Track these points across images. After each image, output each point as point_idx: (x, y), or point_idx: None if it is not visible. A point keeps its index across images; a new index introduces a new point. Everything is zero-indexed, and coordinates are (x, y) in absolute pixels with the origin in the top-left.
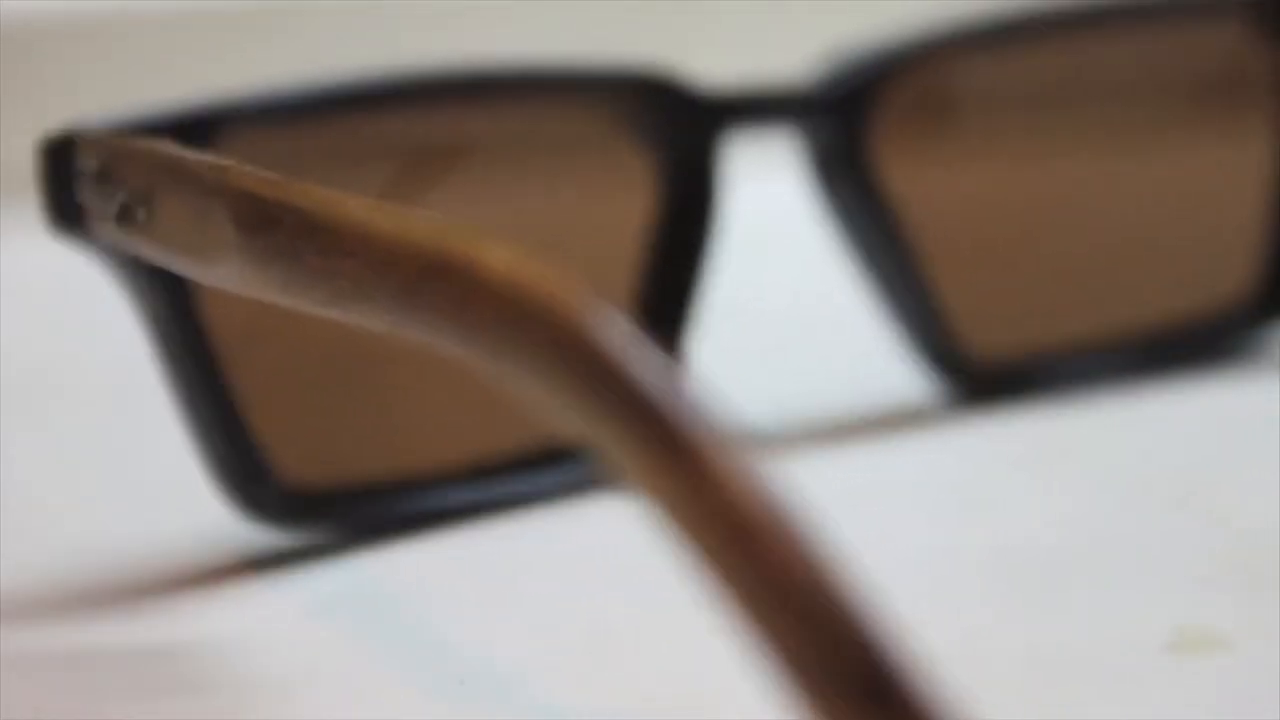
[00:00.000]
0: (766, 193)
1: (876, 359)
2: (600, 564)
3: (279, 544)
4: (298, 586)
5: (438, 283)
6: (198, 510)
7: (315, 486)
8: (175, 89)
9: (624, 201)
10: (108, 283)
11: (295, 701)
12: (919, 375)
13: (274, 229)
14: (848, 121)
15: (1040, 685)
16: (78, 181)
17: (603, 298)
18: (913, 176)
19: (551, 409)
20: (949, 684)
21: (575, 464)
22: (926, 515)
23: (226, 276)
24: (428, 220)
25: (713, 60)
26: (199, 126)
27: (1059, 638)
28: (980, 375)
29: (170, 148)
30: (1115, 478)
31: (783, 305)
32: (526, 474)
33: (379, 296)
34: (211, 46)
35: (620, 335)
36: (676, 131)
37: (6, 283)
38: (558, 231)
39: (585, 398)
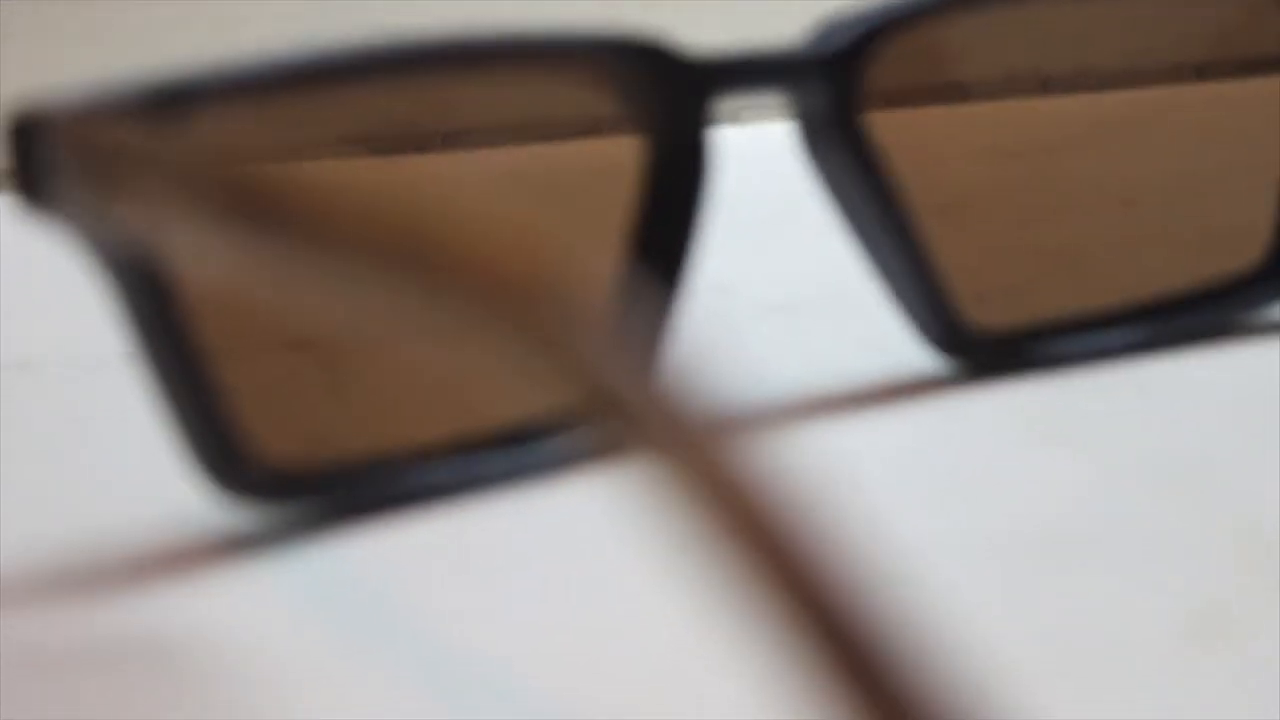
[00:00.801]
0: (758, 159)
1: (877, 332)
2: (581, 545)
3: (254, 526)
4: (274, 569)
5: (414, 261)
6: (173, 493)
7: (292, 465)
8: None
9: (614, 168)
10: (78, 262)
11: (271, 685)
12: (920, 349)
13: (248, 210)
14: (840, 85)
15: (1051, 667)
16: (49, 160)
17: (590, 268)
18: (908, 142)
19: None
20: (954, 668)
21: (556, 441)
22: (929, 493)
23: (199, 256)
24: (404, 196)
25: (701, 31)
26: (173, 98)
27: (1069, 619)
28: (982, 347)
29: (140, 131)
30: (1124, 455)
31: (779, 277)
32: (508, 453)
33: (352, 276)
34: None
35: (594, 318)
36: (666, 96)
37: None
38: (547, 200)
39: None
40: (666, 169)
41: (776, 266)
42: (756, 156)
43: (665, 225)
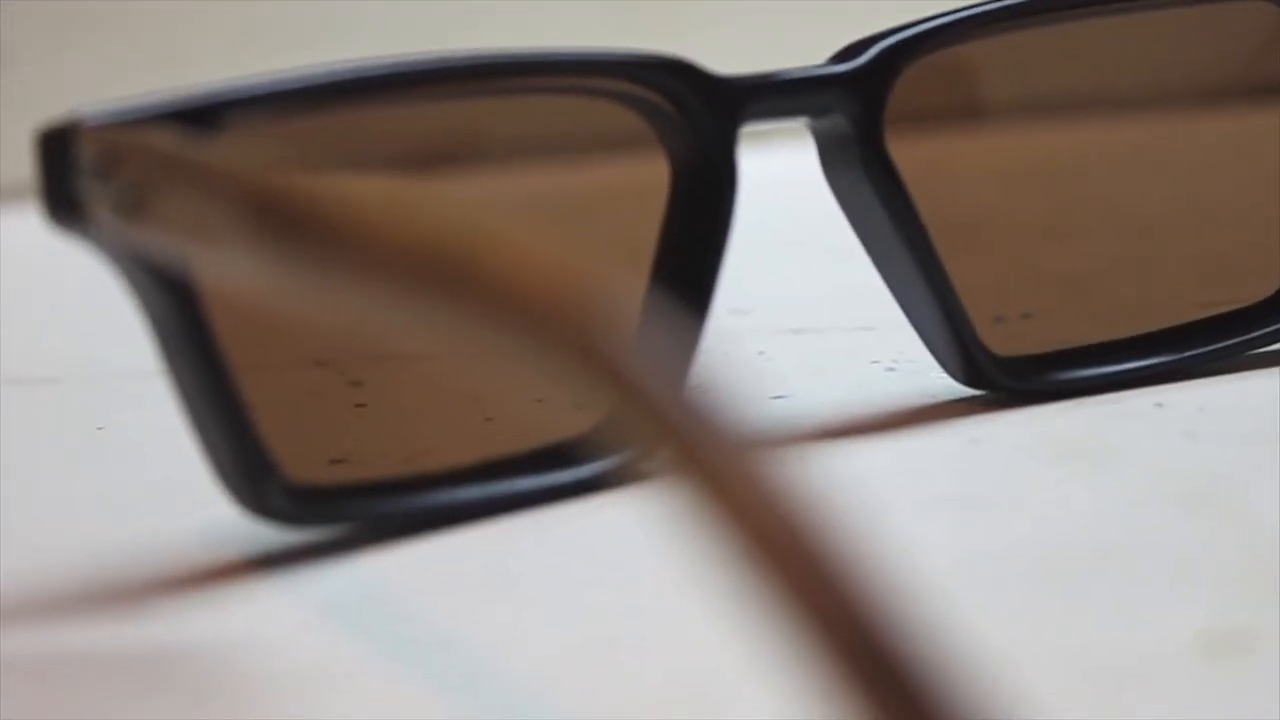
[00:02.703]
0: (786, 181)
1: (895, 355)
2: (606, 564)
3: (283, 543)
4: (302, 586)
5: (444, 279)
6: (201, 509)
7: (320, 484)
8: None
9: (644, 187)
10: (108, 277)
11: (299, 701)
12: (939, 370)
13: (277, 223)
14: (865, 108)
15: (1067, 685)
16: (76, 173)
17: (617, 288)
18: (930, 165)
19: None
20: (973, 683)
21: (582, 463)
22: (947, 513)
23: (228, 270)
24: (436, 214)
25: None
26: (200, 115)
27: (1085, 637)
28: (999, 376)
29: (170, 143)
30: (1141, 475)
31: (803, 296)
32: (533, 472)
33: (385, 291)
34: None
35: (623, 337)
36: (696, 117)
37: (5, 280)
38: (578, 217)
39: (598, 400)
40: (693, 188)
41: (796, 289)
42: (777, 178)
43: (691, 245)
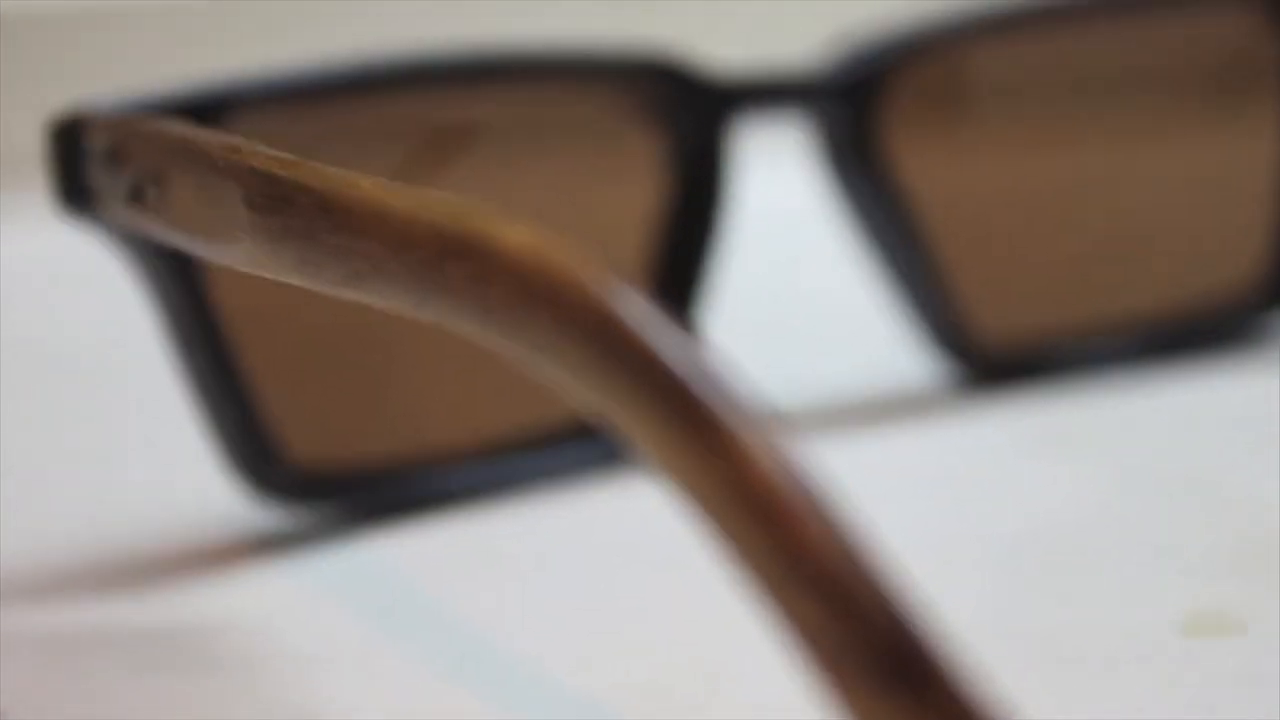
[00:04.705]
0: (776, 180)
1: (887, 346)
2: (616, 543)
3: (289, 525)
4: (307, 567)
5: (455, 261)
6: (206, 491)
7: (326, 466)
8: (180, 73)
9: (634, 188)
10: (115, 264)
11: (303, 681)
12: (929, 361)
13: (287, 208)
14: (858, 108)
15: (1053, 668)
16: (86, 162)
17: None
18: (923, 163)
19: (571, 387)
20: (969, 665)
21: (589, 442)
22: (937, 500)
23: (239, 256)
24: (444, 199)
25: (724, 47)
26: (208, 108)
27: (1070, 621)
28: (990, 360)
29: (181, 127)
30: (1125, 463)
31: (793, 293)
32: (540, 452)
33: (395, 275)
34: (217, 30)
35: (641, 311)
36: (686, 118)
37: (11, 264)
38: (566, 219)
39: (607, 374)
40: (687, 187)
41: (790, 282)
42: (767, 175)
43: (684, 242)
